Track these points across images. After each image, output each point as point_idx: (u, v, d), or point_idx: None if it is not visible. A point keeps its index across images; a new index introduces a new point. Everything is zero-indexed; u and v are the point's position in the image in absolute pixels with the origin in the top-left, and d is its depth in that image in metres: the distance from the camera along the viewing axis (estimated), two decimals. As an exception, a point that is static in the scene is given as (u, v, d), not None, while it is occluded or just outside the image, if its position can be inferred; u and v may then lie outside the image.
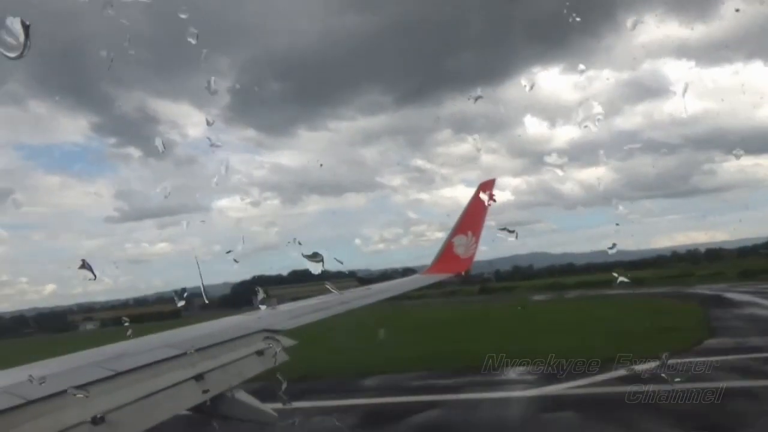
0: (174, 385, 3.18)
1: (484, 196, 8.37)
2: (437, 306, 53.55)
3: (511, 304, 47.03)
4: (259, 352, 3.92)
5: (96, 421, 2.54)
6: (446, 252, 8.73)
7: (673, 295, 43.44)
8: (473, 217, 8.59)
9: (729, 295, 39.00)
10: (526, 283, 77.47)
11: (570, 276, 77.62)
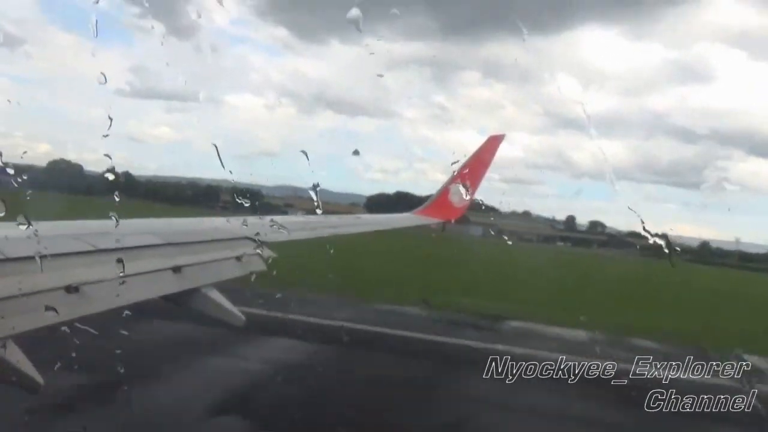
0: (151, 272, 3.27)
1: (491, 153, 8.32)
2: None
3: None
4: (239, 258, 4.01)
5: (70, 290, 2.61)
6: (441, 197, 8.75)
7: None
8: (475, 168, 8.54)
9: None
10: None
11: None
